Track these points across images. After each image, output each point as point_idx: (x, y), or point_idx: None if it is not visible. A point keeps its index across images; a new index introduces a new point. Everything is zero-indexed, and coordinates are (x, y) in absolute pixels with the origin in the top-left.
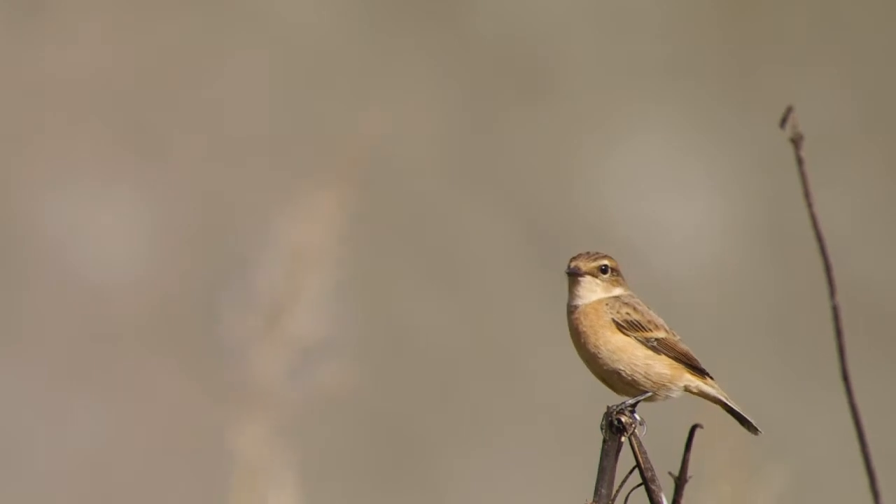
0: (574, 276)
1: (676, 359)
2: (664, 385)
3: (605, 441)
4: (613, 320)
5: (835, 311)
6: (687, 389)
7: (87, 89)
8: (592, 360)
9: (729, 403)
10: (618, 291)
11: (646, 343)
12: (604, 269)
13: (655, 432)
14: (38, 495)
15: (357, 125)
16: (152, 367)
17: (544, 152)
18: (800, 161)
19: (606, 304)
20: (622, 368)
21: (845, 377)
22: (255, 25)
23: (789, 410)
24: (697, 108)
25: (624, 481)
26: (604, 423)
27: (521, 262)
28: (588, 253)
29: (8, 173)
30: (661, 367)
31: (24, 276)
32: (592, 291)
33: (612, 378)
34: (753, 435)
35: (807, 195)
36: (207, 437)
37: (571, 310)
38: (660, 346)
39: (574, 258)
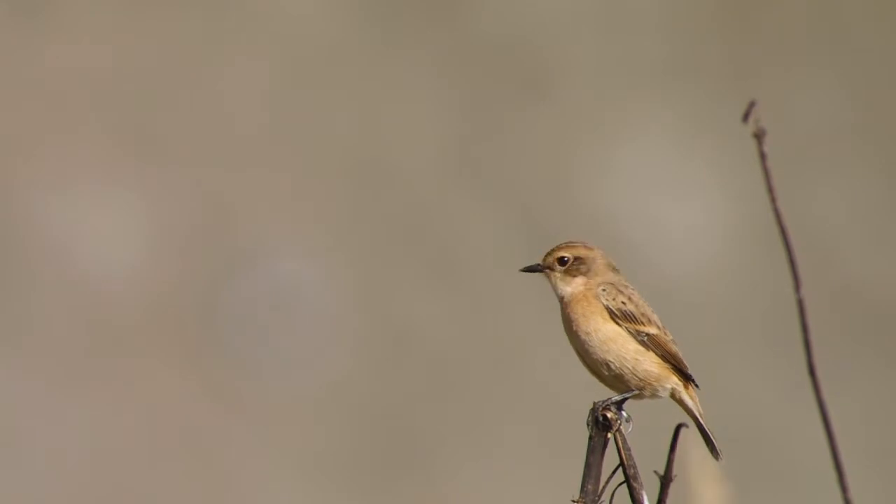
0: (531, 272)
1: (664, 358)
2: (650, 384)
3: (590, 437)
4: (608, 307)
5: (800, 304)
6: (672, 394)
7: (87, 90)
8: (583, 348)
9: (701, 422)
10: (579, 281)
11: (636, 336)
12: (562, 261)
13: (646, 431)
14: (38, 495)
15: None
16: (151, 366)
17: (545, 152)
18: (762, 156)
19: (603, 290)
20: (611, 360)
21: (812, 371)
22: (255, 25)
23: (788, 409)
24: (697, 108)
25: (609, 478)
26: (590, 419)
27: (522, 261)
28: (557, 246)
29: (8, 173)
30: (649, 364)
31: (25, 276)
32: (555, 285)
33: (601, 369)
34: (715, 459)
35: (770, 190)
36: (207, 436)
37: (561, 300)
38: (650, 343)
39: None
